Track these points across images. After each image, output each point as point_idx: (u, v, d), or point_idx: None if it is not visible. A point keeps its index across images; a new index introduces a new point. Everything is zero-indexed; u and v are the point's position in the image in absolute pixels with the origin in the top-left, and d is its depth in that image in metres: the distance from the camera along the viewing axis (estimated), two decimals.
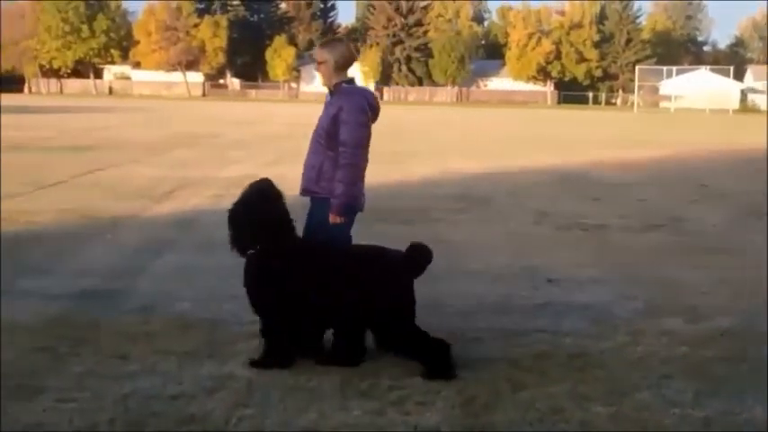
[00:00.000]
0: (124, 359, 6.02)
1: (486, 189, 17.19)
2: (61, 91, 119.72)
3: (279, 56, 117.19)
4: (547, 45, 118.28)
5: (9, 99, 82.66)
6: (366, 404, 5.32)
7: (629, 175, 20.47)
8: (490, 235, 11.96)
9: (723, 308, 7.87)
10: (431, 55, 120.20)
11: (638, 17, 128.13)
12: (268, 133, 35.69)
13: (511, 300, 8.08)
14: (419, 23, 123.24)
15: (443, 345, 5.88)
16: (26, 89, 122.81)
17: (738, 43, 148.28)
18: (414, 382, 5.69)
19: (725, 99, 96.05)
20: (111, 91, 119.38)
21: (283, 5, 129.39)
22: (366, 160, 6.32)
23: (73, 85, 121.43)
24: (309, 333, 6.08)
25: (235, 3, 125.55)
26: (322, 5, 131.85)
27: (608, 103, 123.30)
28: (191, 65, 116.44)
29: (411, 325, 5.87)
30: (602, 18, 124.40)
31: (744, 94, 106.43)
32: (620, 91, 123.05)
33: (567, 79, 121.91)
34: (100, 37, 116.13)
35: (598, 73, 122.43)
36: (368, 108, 6.26)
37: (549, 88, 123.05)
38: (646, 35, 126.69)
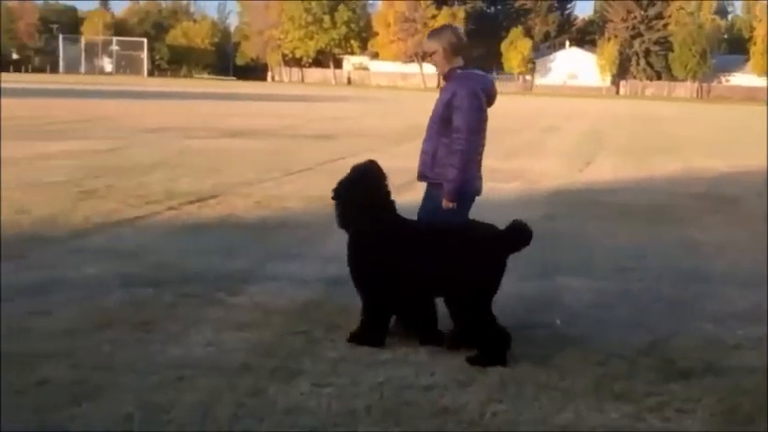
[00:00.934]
0: (376, 347, 6.08)
1: (734, 189, 16.47)
2: (302, 80, 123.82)
3: (514, 48, 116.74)
4: None
5: (255, 87, 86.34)
6: (623, 407, 5.15)
7: None
8: (738, 237, 11.43)
9: None
10: (671, 49, 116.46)
11: None
12: (503, 126, 35.46)
13: (762, 307, 7.61)
14: (659, 16, 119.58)
15: (506, 335, 5.85)
16: (269, 77, 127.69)
17: None
18: (670, 387, 5.48)
19: None
20: (349, 81, 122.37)
21: None
22: (482, 145, 6.30)
23: (313, 74, 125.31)
24: (410, 309, 6.15)
25: None
26: None
27: None
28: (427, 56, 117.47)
29: (487, 303, 5.85)
30: None
31: None
32: None
33: None
34: (341, 28, 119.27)
35: None
36: (481, 93, 6.19)
37: None
38: None
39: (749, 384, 5.63)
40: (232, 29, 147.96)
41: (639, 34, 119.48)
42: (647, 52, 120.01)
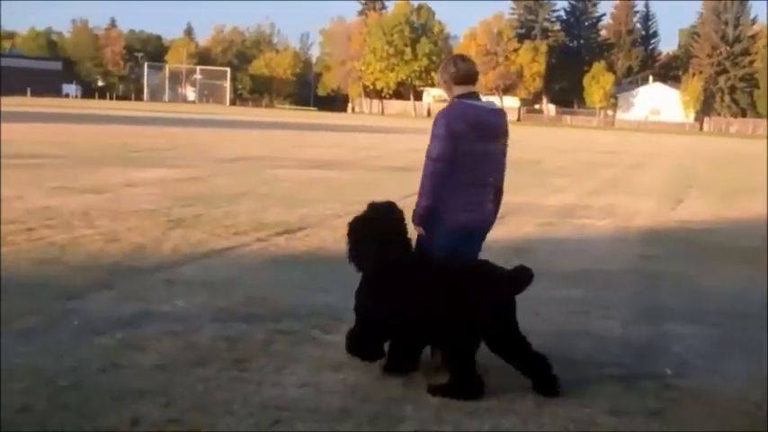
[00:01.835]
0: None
1: None
2: (382, 112, 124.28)
3: (596, 82, 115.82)
4: None
5: (335, 118, 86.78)
6: None
7: None
8: None
9: None
10: (756, 85, 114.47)
11: None
12: (588, 161, 35.09)
13: None
14: (746, 52, 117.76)
15: (543, 359, 5.85)
16: (349, 108, 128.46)
17: None
18: None
19: None
20: (429, 113, 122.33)
21: (604, 32, 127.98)
22: (482, 177, 6.21)
23: (394, 105, 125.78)
24: (407, 347, 6.07)
25: (556, 28, 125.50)
26: (643, 32, 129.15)
27: None
28: (508, 89, 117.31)
29: (476, 337, 5.76)
30: None
31: None
32: None
33: None
34: (422, 60, 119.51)
35: None
36: (460, 122, 6.05)
37: None
38: None
39: None
40: (314, 59, 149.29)
41: (725, 70, 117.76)
42: (733, 89, 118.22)
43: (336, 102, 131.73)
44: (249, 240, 11.26)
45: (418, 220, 6.19)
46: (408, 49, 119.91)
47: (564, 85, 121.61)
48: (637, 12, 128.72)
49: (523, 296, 8.75)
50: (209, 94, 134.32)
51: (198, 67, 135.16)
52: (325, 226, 12.82)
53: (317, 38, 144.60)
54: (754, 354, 7.14)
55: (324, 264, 9.96)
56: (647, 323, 7.95)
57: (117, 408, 5.16)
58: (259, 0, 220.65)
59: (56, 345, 6.33)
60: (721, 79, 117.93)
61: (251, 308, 7.62)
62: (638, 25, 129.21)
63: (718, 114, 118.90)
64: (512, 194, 17.47)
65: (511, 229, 13.42)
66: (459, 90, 6.26)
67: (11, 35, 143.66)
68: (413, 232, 6.20)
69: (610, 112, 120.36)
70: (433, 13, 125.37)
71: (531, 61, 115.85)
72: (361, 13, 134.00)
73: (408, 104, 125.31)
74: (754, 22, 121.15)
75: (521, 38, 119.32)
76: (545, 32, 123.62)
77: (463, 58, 6.50)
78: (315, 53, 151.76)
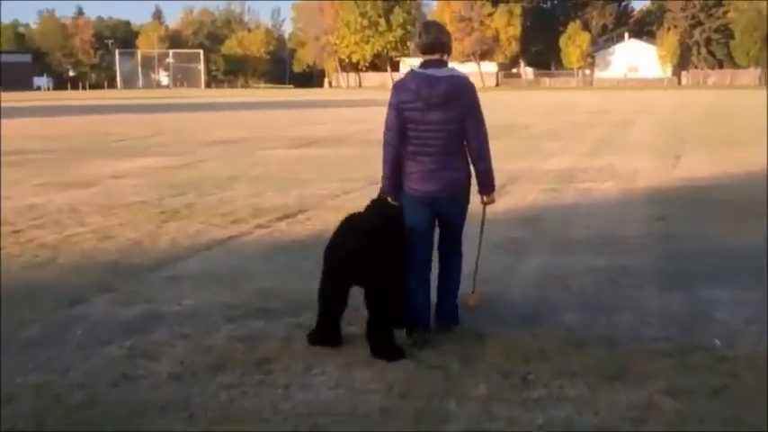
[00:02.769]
0: (525, 381, 5.35)
1: None
2: (360, 84, 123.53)
3: (573, 42, 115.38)
4: None
5: (313, 94, 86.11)
6: None
7: None
8: None
9: None
10: (732, 36, 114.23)
11: None
12: (575, 122, 34.66)
13: None
14: (719, 3, 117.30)
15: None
16: (326, 83, 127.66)
17: None
18: None
19: None
20: None
21: None
22: (423, 146, 6.09)
23: (371, 78, 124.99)
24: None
25: None
26: None
27: None
28: (485, 55, 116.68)
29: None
30: None
31: None
32: None
33: None
34: (396, 30, 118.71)
35: None
36: (402, 92, 6.08)
37: None
38: None
39: None
40: (287, 36, 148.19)
41: (699, 23, 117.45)
42: (708, 41, 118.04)
43: (312, 78, 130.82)
44: (249, 228, 10.75)
45: (383, 187, 6.27)
46: (382, 20, 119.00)
47: (540, 48, 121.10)
48: None
49: (550, 269, 8.41)
50: (182, 77, 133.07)
51: (170, 51, 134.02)
52: (325, 207, 12.33)
53: (289, 13, 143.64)
54: None
55: None
56: (681, 290, 7.52)
57: (136, 425, 4.73)
58: None
59: (60, 358, 5.84)
60: (696, 32, 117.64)
61: (264, 302, 7.13)
62: None
63: (696, 67, 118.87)
64: (508, 162, 17.29)
65: (516, 199, 13.00)
66: (425, 59, 6.16)
67: None
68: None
69: (588, 72, 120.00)
70: None
71: (507, 25, 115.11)
72: None
73: (386, 76, 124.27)
74: None
75: (495, 2, 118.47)
76: None
77: (428, 27, 6.31)
78: (288, 29, 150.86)
